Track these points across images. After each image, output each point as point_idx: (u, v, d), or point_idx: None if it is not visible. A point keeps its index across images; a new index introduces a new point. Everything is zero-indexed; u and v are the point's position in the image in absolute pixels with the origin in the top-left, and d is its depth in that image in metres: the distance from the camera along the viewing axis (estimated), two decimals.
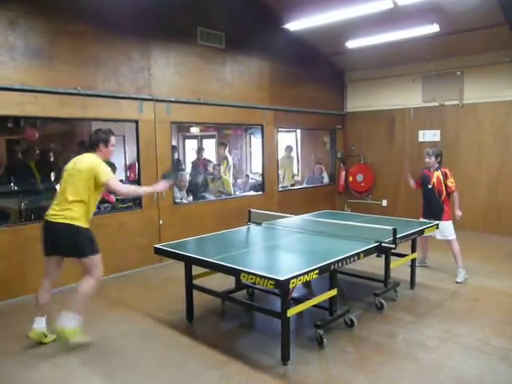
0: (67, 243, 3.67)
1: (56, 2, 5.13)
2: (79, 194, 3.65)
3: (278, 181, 8.54)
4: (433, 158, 5.51)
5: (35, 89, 4.94)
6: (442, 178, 5.40)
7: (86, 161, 3.75)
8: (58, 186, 6.65)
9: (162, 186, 4.06)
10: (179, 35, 6.38)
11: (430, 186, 5.50)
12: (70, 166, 3.83)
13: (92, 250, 3.73)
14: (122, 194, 4.01)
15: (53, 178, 6.69)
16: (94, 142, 3.86)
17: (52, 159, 7.08)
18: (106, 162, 4.00)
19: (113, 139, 3.93)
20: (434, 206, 5.45)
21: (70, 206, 3.63)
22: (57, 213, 3.66)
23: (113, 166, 7.27)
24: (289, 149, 10.04)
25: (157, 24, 6.05)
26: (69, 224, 3.62)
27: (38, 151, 7.07)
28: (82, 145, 7.53)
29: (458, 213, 5.46)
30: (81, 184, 3.66)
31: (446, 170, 5.45)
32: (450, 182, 5.38)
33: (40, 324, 3.74)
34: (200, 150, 9.45)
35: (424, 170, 5.66)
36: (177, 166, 7.75)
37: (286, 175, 9.74)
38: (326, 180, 9.64)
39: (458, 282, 5.25)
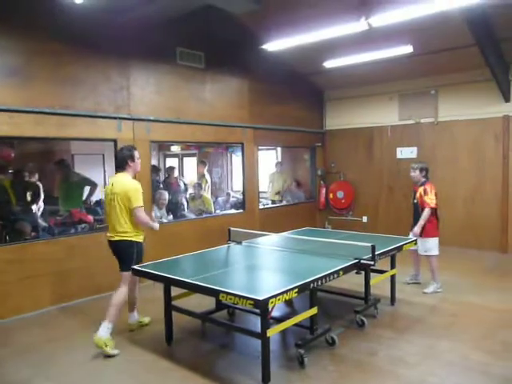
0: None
1: (33, 21, 5.10)
2: (123, 216, 4.13)
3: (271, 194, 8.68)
4: (417, 172, 5.58)
5: (10, 108, 4.88)
6: (422, 193, 5.45)
7: (121, 183, 4.14)
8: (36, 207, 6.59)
9: (157, 225, 4.39)
10: (159, 55, 6.41)
11: (415, 201, 5.62)
12: (108, 190, 4.23)
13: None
14: (141, 222, 4.21)
15: (29, 198, 6.55)
16: (122, 160, 4.22)
17: (27, 179, 6.95)
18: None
19: (136, 153, 4.30)
20: (417, 221, 5.49)
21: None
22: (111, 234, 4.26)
23: (93, 185, 7.22)
24: (279, 164, 10.05)
25: (136, 44, 6.07)
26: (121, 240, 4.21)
27: (12, 171, 6.93)
28: (59, 164, 7.44)
29: (414, 230, 5.44)
30: (120, 207, 4.12)
31: (427, 186, 5.48)
32: (427, 198, 5.40)
33: (107, 331, 4.03)
34: (170, 168, 9.31)
35: (413, 185, 5.78)
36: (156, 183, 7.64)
37: (272, 190, 9.75)
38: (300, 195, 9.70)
39: (424, 293, 5.37)
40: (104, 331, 3.94)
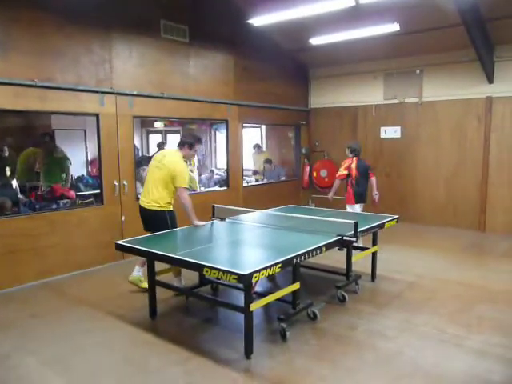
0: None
1: None
2: (161, 185, 4.53)
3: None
4: (347, 151, 6.48)
5: None
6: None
7: (172, 160, 4.53)
8: (14, 182, 6.49)
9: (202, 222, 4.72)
10: (142, 27, 6.26)
11: None
12: (158, 157, 4.67)
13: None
14: (183, 203, 4.54)
15: (8, 173, 6.43)
16: (184, 142, 4.66)
17: (7, 154, 6.80)
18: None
19: (197, 146, 4.72)
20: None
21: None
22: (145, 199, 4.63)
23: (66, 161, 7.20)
24: (257, 147, 10.07)
25: (118, 15, 5.91)
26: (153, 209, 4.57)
27: None
28: (43, 137, 7.32)
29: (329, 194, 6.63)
30: (162, 178, 4.51)
31: (345, 161, 6.47)
32: (338, 170, 6.54)
33: (138, 272, 4.79)
34: (161, 144, 9.29)
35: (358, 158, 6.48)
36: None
37: (258, 169, 9.84)
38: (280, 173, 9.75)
39: None
40: (137, 271, 4.75)
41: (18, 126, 8.08)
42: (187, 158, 4.76)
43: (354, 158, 6.35)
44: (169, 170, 4.47)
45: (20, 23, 4.98)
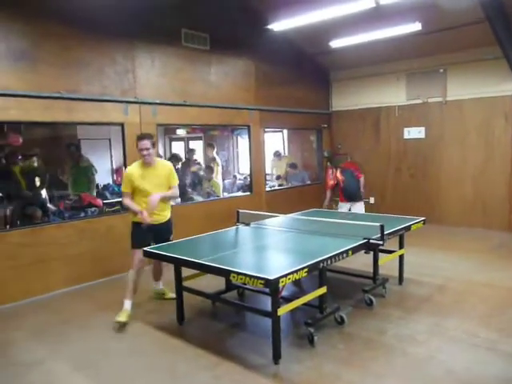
0: None
1: (37, 4, 5.07)
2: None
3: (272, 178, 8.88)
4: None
5: (18, 93, 4.89)
6: None
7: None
8: (44, 192, 6.67)
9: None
10: (163, 37, 6.36)
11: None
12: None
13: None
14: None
15: (38, 184, 6.61)
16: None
17: (36, 164, 7.00)
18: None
19: (140, 143, 4.35)
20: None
21: None
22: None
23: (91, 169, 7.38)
24: (277, 153, 10.08)
25: (140, 26, 6.03)
26: None
27: (21, 156, 6.99)
28: (69, 147, 7.51)
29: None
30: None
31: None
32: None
33: (157, 286, 4.96)
34: (191, 151, 9.43)
35: (343, 165, 7.14)
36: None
37: (275, 174, 9.85)
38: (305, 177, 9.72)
39: None
40: (156, 285, 4.94)
41: (46, 137, 8.32)
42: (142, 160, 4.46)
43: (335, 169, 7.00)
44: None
45: (47, 37, 5.14)
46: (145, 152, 4.34)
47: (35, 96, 5.02)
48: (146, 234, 4.45)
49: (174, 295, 4.47)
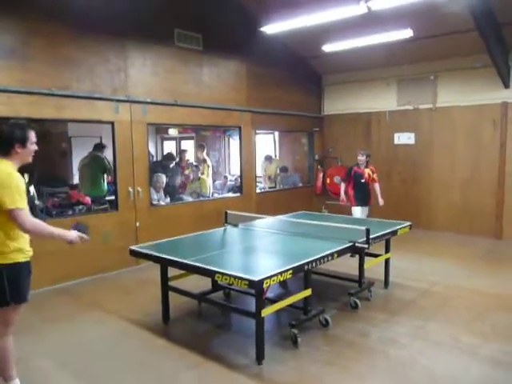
0: None
1: (28, 1, 5.06)
2: None
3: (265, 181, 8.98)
4: (364, 157, 6.93)
5: (7, 89, 4.86)
6: (371, 173, 6.95)
7: None
8: (32, 188, 6.63)
9: (74, 234, 3.04)
10: (156, 36, 6.36)
11: (362, 180, 6.87)
12: None
13: None
14: (26, 230, 2.79)
15: (26, 180, 6.55)
16: (5, 143, 2.78)
17: None
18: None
19: (32, 135, 2.89)
20: (366, 195, 6.92)
21: None
22: None
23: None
24: (268, 157, 10.08)
25: (133, 25, 6.03)
26: None
27: None
28: (96, 148, 7.38)
29: (381, 201, 6.95)
30: None
31: (372, 167, 7.06)
32: (376, 176, 7.03)
33: None
34: (182, 151, 9.41)
35: (354, 168, 6.99)
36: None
37: (266, 175, 9.83)
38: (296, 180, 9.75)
39: None
40: None
41: (37, 134, 8.25)
42: (25, 163, 2.92)
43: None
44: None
45: (37, 35, 5.12)
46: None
47: (25, 92, 4.99)
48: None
49: None
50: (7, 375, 2.86)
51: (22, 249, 2.81)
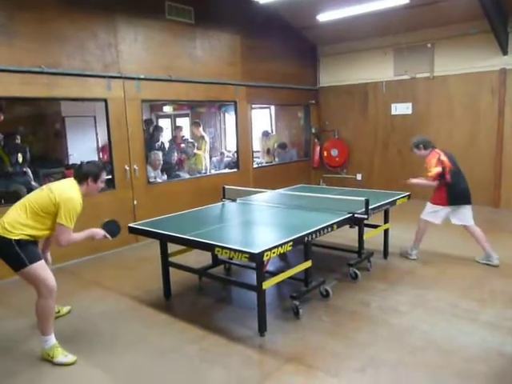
0: None
1: None
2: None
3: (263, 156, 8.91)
4: (416, 150, 5.24)
5: None
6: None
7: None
8: (27, 170, 6.56)
9: (101, 233, 3.60)
10: (146, 9, 6.19)
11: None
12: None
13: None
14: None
15: (20, 160, 6.50)
16: (84, 174, 3.41)
17: (18, 141, 6.87)
18: None
19: (104, 175, 3.49)
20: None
21: None
22: None
23: None
24: (265, 133, 10.01)
25: None
26: None
27: (3, 134, 6.86)
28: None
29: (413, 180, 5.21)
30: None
31: (428, 160, 5.14)
32: (428, 172, 5.09)
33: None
34: (178, 128, 9.34)
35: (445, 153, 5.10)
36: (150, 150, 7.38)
37: (264, 149, 9.85)
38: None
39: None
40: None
41: (30, 115, 8.15)
42: (88, 194, 3.49)
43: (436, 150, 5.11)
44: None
45: (23, 8, 4.96)
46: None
47: (14, 70, 4.88)
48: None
49: (68, 308, 4.00)
50: (45, 331, 3.29)
51: (31, 235, 3.26)
